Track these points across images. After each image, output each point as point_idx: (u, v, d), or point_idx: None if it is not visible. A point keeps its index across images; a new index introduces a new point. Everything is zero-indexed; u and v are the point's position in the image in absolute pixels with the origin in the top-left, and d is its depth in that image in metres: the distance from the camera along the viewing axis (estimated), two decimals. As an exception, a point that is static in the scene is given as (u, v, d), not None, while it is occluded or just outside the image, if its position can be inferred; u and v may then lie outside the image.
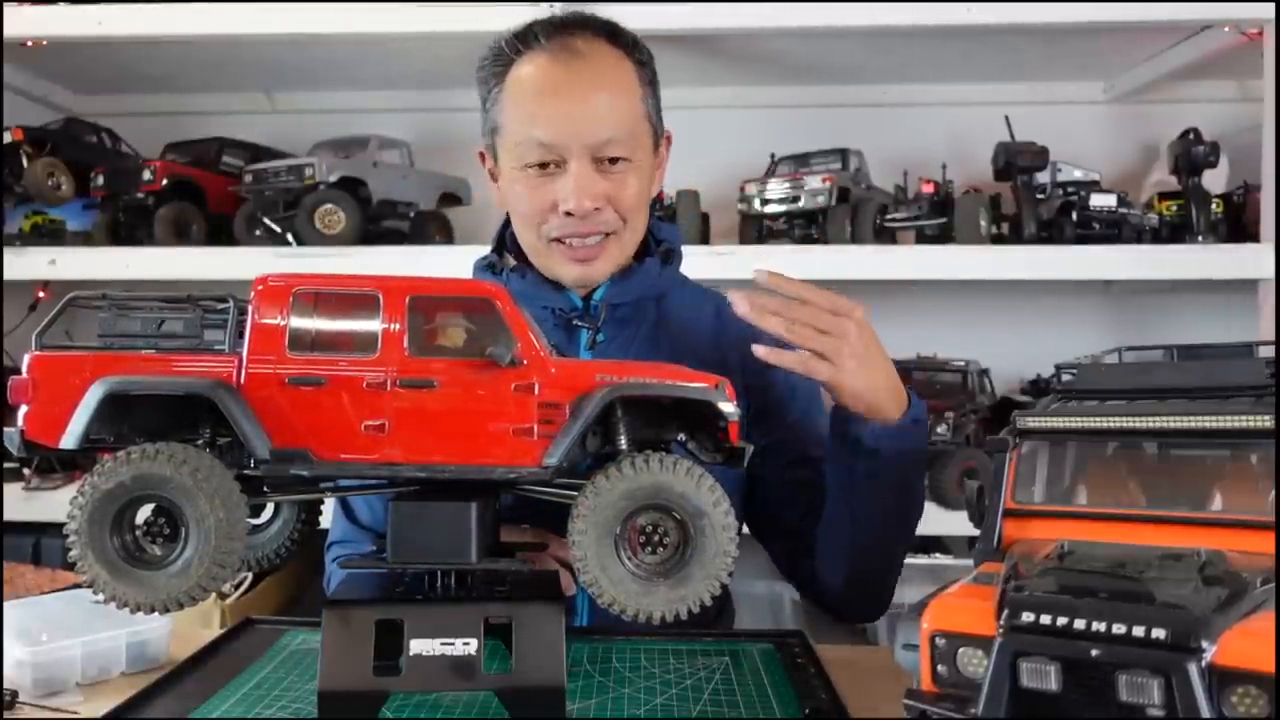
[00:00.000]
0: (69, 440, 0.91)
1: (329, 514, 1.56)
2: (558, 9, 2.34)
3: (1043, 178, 2.63)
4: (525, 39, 1.38)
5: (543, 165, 1.36)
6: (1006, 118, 2.62)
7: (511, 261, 1.51)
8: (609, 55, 1.39)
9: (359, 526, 1.51)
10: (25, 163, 2.63)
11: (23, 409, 0.93)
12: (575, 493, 0.94)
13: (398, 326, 0.92)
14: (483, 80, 1.43)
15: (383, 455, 0.92)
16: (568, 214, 1.36)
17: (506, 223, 1.54)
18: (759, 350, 1.23)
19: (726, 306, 1.57)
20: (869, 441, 1.27)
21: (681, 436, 1.04)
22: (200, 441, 0.96)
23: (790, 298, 1.25)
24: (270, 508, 1.12)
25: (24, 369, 0.93)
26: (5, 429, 0.94)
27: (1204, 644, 0.61)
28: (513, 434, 0.92)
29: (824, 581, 1.45)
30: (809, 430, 1.51)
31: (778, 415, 1.50)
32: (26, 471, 2.57)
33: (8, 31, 2.49)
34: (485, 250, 1.60)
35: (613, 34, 1.41)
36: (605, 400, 0.92)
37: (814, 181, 2.54)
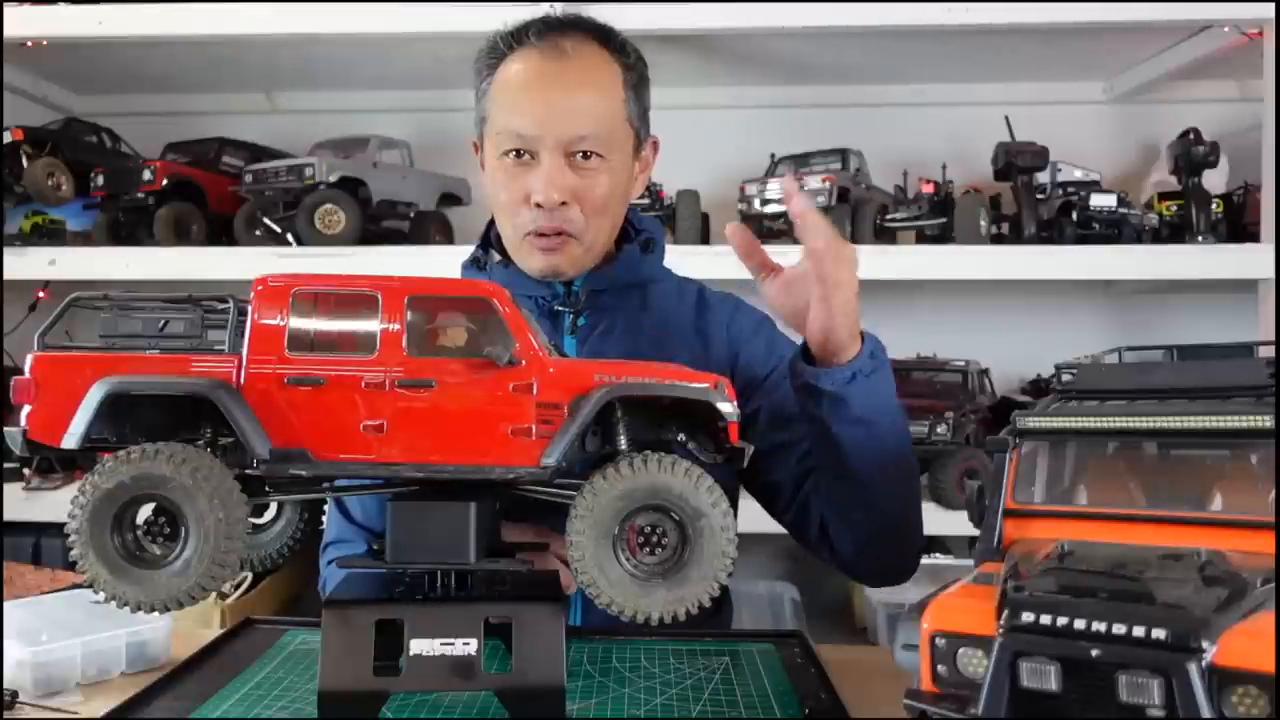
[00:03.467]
0: (70, 440, 0.91)
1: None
2: (557, 9, 2.35)
3: (1043, 178, 2.63)
4: (519, 36, 1.43)
5: (518, 155, 1.40)
6: (1006, 118, 2.62)
7: (496, 256, 1.56)
8: (595, 56, 1.43)
9: (354, 524, 1.51)
10: (25, 163, 2.63)
11: (25, 409, 0.93)
12: (574, 493, 0.94)
13: (396, 327, 0.93)
14: (477, 72, 1.48)
15: (381, 455, 0.92)
16: (538, 205, 1.40)
17: (494, 220, 1.57)
18: (796, 201, 1.23)
19: (709, 295, 1.59)
20: (827, 386, 1.26)
21: (681, 437, 1.04)
22: (201, 441, 0.96)
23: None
24: (273, 507, 1.12)
25: (26, 369, 0.94)
26: (7, 428, 0.94)
27: (1204, 644, 0.61)
28: (511, 434, 0.92)
29: (838, 547, 1.44)
30: (788, 392, 1.50)
31: (760, 383, 1.52)
32: (26, 471, 2.57)
33: (8, 31, 2.49)
34: (465, 255, 1.62)
35: (604, 36, 1.45)
36: (603, 400, 0.92)
37: (814, 181, 2.53)
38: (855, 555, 1.44)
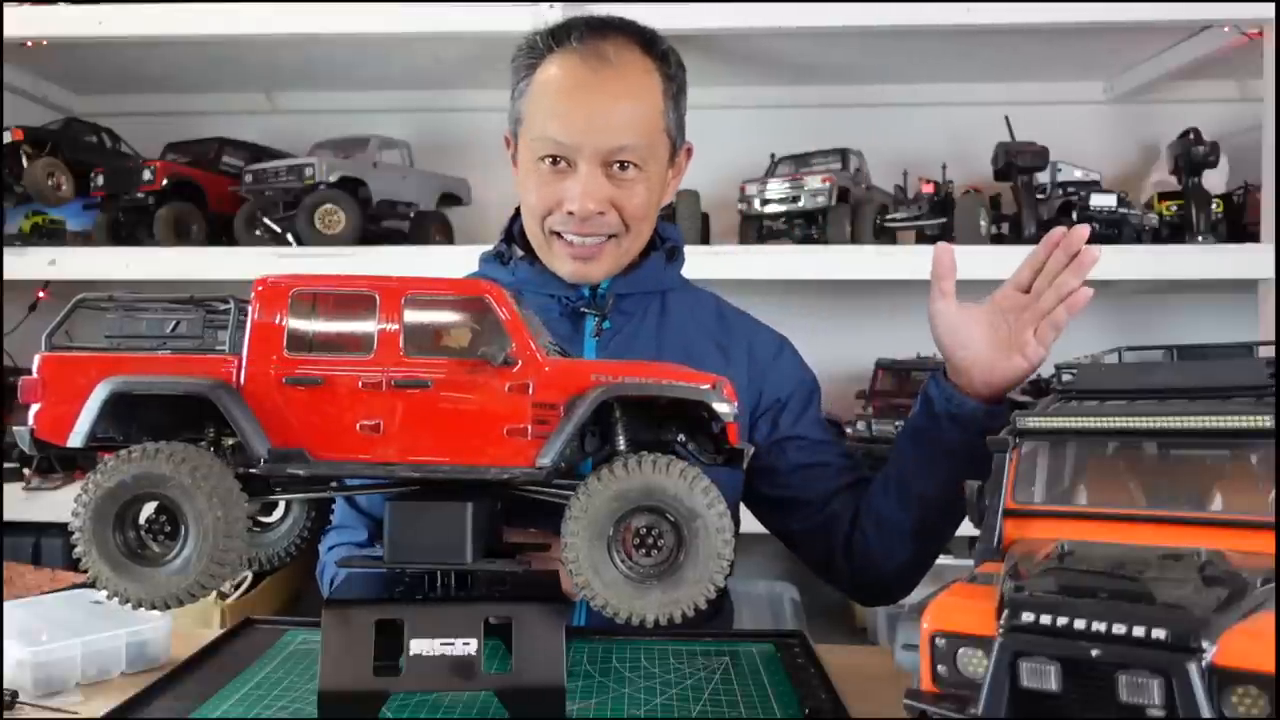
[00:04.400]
0: (76, 439, 0.92)
1: (338, 512, 1.56)
2: (558, 10, 2.35)
3: (1043, 178, 2.62)
4: (559, 37, 1.41)
5: (554, 161, 1.39)
6: (1006, 118, 2.61)
7: (519, 251, 1.55)
8: (637, 64, 1.41)
9: (358, 511, 1.52)
10: (25, 163, 2.63)
11: (33, 408, 0.94)
12: (571, 493, 0.94)
13: (393, 327, 0.93)
14: (515, 70, 1.46)
15: (378, 455, 0.92)
16: (570, 213, 1.39)
17: (516, 214, 1.57)
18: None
19: (726, 308, 1.60)
20: (985, 419, 1.27)
21: (681, 437, 1.04)
22: (204, 441, 0.96)
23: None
24: (281, 506, 1.12)
25: (34, 369, 0.95)
26: (16, 427, 0.95)
27: (1204, 644, 0.61)
28: (507, 434, 0.92)
29: (877, 563, 1.45)
30: (819, 418, 1.58)
31: (793, 408, 1.54)
32: (27, 471, 2.57)
33: (8, 31, 2.49)
34: (485, 249, 1.63)
35: (647, 42, 1.44)
36: (598, 400, 0.92)
37: (814, 181, 2.53)
38: (901, 570, 1.45)
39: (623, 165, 1.39)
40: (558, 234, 1.44)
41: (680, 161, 1.54)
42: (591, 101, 1.37)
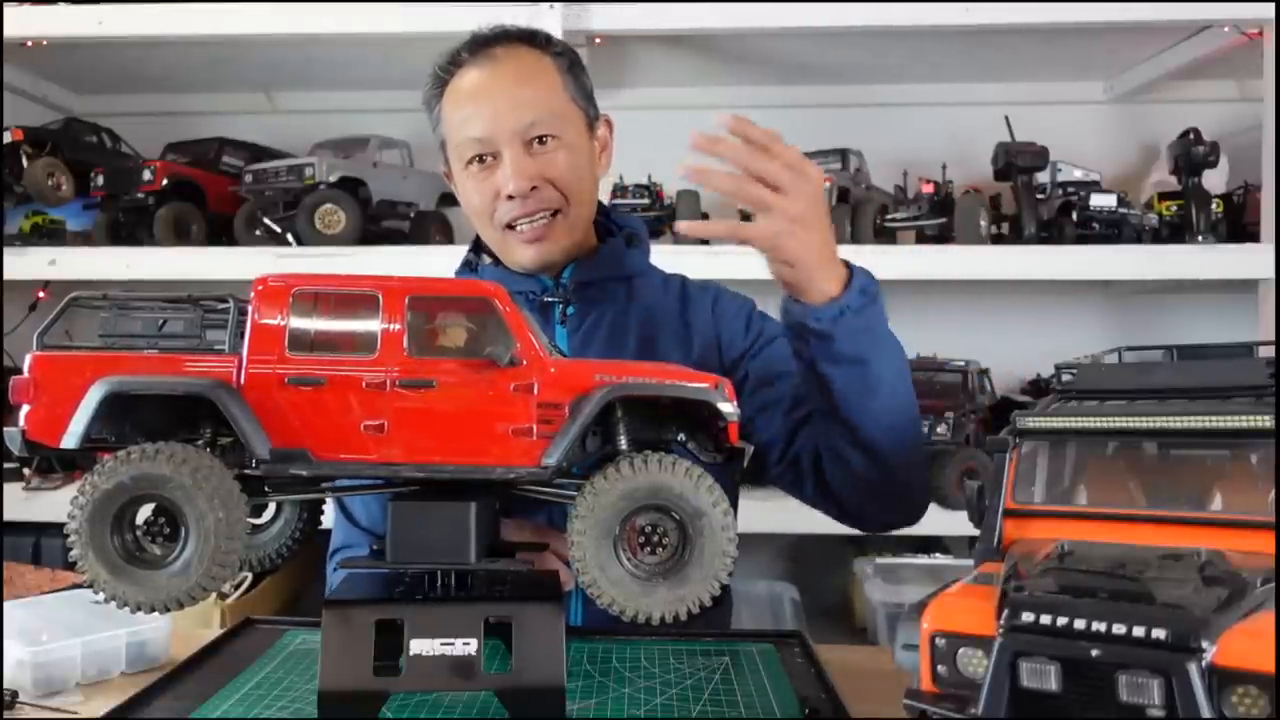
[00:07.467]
0: (69, 440, 0.91)
1: (331, 514, 1.56)
2: (558, 10, 2.35)
3: (1043, 178, 2.63)
4: (453, 60, 1.51)
5: (481, 159, 1.47)
6: (1006, 118, 2.62)
7: (487, 259, 1.61)
8: (526, 55, 1.50)
9: (359, 529, 1.52)
10: (25, 163, 2.63)
11: (25, 409, 0.93)
12: (574, 493, 0.94)
13: (397, 327, 0.93)
14: (426, 104, 1.57)
15: (382, 455, 0.92)
16: (510, 198, 1.45)
17: None
18: (687, 169, 1.22)
19: (692, 286, 1.60)
20: (813, 324, 1.23)
21: (681, 436, 1.04)
22: (201, 441, 0.96)
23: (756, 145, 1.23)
24: (272, 507, 1.12)
25: (26, 369, 0.93)
26: (6, 429, 0.94)
27: (1204, 644, 0.61)
28: (512, 434, 0.92)
29: (837, 493, 1.43)
30: (771, 338, 1.55)
31: (742, 356, 1.55)
32: (26, 471, 2.57)
33: (8, 31, 2.49)
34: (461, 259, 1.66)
35: (529, 37, 1.53)
36: (604, 400, 0.92)
37: (814, 182, 2.53)
38: (855, 498, 1.42)
39: (541, 140, 1.45)
40: (509, 227, 1.48)
41: (603, 134, 1.59)
42: (494, 93, 1.45)
